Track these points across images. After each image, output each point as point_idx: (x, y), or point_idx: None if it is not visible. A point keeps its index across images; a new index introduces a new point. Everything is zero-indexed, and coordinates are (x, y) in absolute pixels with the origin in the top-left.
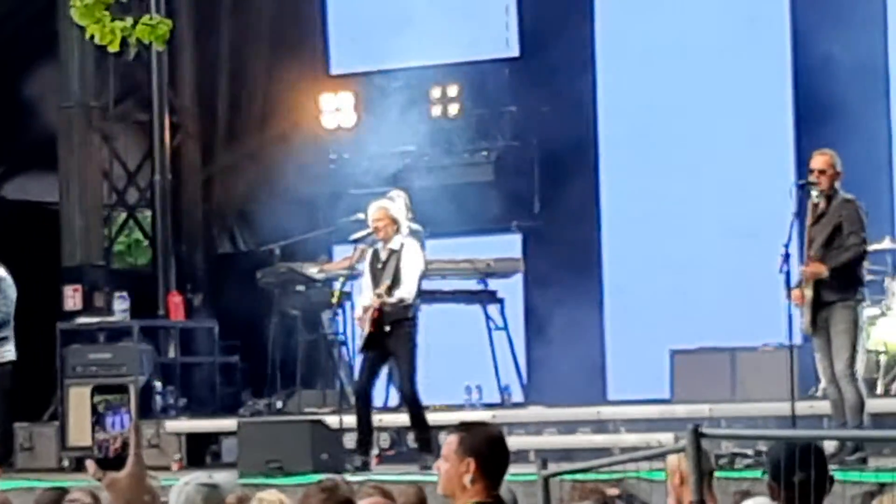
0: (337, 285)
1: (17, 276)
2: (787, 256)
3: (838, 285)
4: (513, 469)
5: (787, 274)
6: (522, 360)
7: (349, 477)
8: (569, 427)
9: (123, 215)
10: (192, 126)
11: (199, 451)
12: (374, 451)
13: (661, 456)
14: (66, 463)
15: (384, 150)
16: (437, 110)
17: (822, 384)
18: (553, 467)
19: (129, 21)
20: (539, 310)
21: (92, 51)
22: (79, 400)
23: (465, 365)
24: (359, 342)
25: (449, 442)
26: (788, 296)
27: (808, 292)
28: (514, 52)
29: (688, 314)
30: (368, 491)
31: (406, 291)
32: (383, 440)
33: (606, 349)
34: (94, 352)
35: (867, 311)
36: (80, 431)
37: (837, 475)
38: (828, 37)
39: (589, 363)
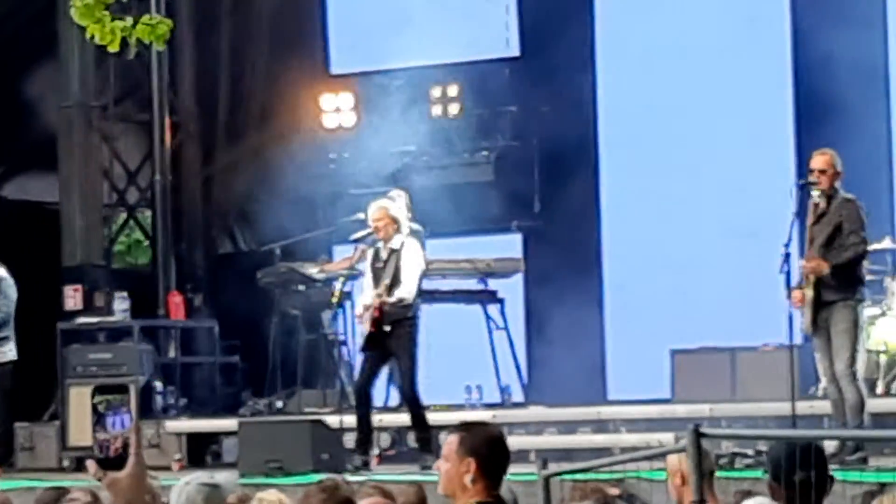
0: (337, 285)
1: (17, 276)
2: (787, 256)
3: (839, 285)
4: (513, 469)
5: (788, 274)
6: (523, 359)
7: (349, 477)
8: (569, 427)
9: (124, 215)
10: (192, 126)
11: (200, 451)
12: (375, 451)
13: (662, 456)
14: (66, 463)
15: (384, 150)
16: (437, 110)
17: (823, 384)
18: (553, 467)
19: (129, 21)
20: (539, 310)
21: (92, 51)
22: (79, 400)
23: (465, 365)
24: (359, 342)
25: (449, 442)
26: (789, 296)
27: (809, 292)
28: (515, 51)
29: (688, 314)
30: (368, 491)
31: (406, 291)
32: (383, 440)
33: (607, 349)
34: (95, 352)
35: (867, 311)
36: (80, 431)
37: (838, 475)
38: (828, 36)
39: (589, 363)
